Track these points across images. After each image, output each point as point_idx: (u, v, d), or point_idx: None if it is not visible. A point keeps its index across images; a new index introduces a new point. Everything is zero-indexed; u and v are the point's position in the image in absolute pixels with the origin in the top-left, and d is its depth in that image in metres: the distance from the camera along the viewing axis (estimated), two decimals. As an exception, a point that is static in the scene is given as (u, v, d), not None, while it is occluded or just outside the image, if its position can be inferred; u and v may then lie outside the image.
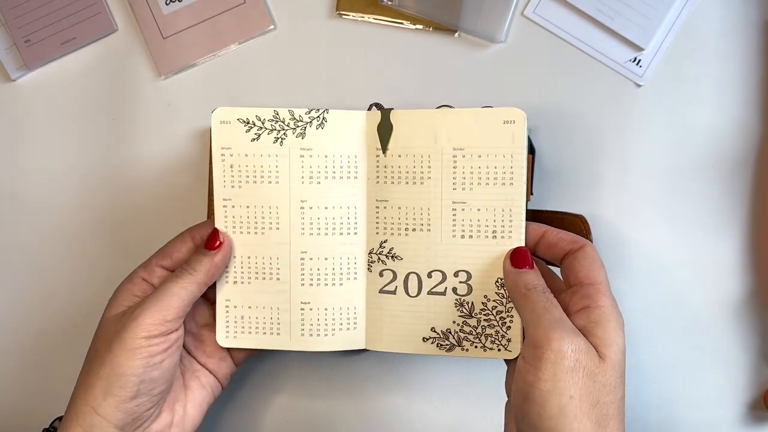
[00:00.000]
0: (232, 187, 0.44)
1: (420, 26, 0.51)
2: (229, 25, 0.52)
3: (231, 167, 0.44)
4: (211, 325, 0.47)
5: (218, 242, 0.43)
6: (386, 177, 0.44)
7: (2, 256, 0.54)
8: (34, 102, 0.53)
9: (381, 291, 0.45)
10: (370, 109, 0.45)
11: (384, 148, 0.44)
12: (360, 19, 0.52)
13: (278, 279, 0.44)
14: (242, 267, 0.45)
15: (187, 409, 0.44)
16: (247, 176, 0.44)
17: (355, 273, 0.45)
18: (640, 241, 0.50)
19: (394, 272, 0.44)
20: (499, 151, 0.42)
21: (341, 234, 0.44)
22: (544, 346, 0.37)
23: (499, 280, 0.43)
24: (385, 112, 0.44)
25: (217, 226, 0.44)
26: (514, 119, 0.42)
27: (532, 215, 0.50)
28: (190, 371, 0.45)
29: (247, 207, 0.44)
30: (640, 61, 0.50)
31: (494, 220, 0.43)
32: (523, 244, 0.43)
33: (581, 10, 0.50)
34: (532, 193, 0.50)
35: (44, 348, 0.53)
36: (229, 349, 0.47)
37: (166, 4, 0.52)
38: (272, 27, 0.52)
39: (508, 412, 0.41)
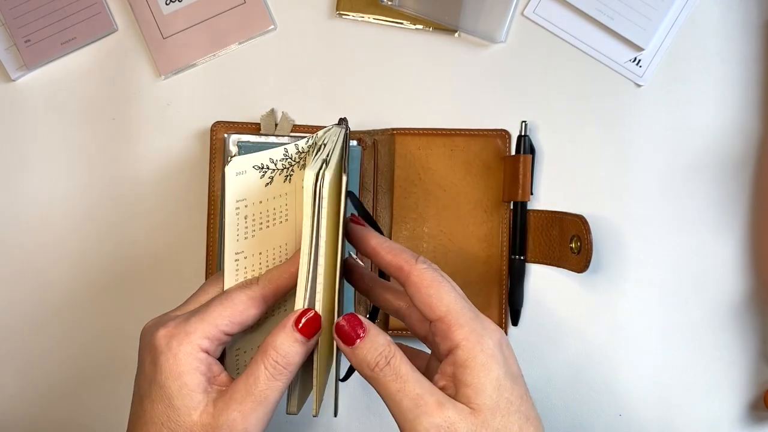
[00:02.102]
0: (245, 238, 0.39)
1: (420, 26, 0.51)
2: (229, 25, 0.52)
3: (245, 218, 0.39)
4: None
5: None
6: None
7: (2, 256, 0.54)
8: (34, 102, 0.53)
9: None
10: (339, 123, 0.42)
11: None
12: (360, 19, 0.52)
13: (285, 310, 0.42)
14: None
15: None
16: (261, 224, 0.40)
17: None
18: (640, 241, 0.50)
19: None
20: None
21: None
22: None
23: None
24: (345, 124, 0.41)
25: (226, 283, 0.39)
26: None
27: (533, 215, 0.50)
28: None
29: (260, 254, 0.40)
30: (640, 61, 0.50)
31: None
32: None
33: (581, 10, 0.50)
34: (532, 193, 0.50)
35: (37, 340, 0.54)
36: None
37: (166, 4, 0.52)
38: (272, 27, 0.52)
39: None
